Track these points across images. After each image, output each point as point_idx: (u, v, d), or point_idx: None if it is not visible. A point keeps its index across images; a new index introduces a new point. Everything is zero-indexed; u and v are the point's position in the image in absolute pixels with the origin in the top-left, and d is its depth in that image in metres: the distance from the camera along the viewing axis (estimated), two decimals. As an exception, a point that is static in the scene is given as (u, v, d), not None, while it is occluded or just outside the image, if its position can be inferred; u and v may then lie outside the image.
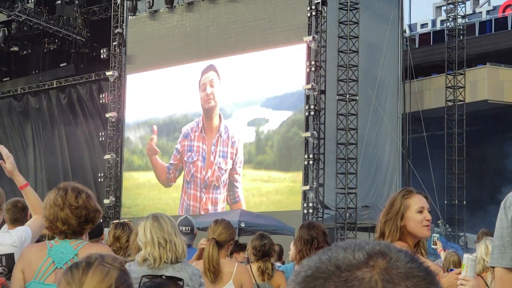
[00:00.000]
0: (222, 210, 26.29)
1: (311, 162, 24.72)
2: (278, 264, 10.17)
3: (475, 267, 3.93)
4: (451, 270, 4.23)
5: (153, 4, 30.00)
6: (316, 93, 24.91)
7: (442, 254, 9.91)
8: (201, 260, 5.95)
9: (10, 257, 4.65)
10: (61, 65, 35.93)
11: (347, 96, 25.41)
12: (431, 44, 36.90)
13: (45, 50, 35.64)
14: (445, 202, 29.28)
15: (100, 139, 31.42)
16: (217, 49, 28.29)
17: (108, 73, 30.53)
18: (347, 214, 24.98)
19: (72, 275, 2.15)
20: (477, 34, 36.19)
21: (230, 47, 28.04)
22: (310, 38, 25.11)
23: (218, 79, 28.53)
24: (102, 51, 31.60)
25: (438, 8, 38.56)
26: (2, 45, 35.14)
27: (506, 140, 30.15)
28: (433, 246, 10.61)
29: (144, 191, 30.10)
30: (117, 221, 7.20)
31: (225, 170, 27.66)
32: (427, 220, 4.16)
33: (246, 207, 26.05)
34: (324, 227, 6.40)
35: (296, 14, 26.27)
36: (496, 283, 3.42)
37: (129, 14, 30.85)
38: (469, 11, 35.04)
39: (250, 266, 7.16)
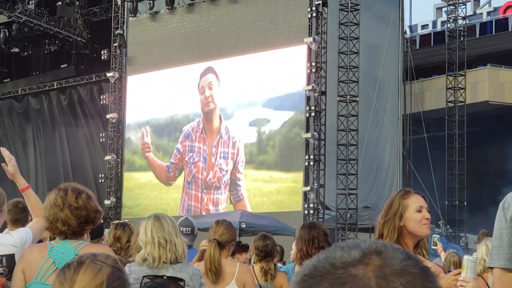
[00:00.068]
0: (224, 211, 26.27)
1: (311, 163, 24.72)
2: (279, 264, 10.16)
3: (475, 268, 3.93)
4: (449, 271, 4.23)
5: (153, 5, 29.99)
6: (316, 94, 24.90)
7: (443, 255, 9.92)
8: (202, 261, 5.96)
9: (10, 258, 4.65)
10: (61, 66, 35.92)
11: (348, 97, 25.38)
12: (432, 45, 36.92)
13: (46, 51, 35.59)
14: (446, 203, 29.25)
15: (101, 140, 31.40)
16: (218, 50, 28.27)
17: (108, 74, 30.52)
18: (348, 214, 24.96)
19: (64, 274, 2.16)
20: (477, 35, 36.21)
21: (231, 48, 28.03)
22: (311, 39, 25.10)
23: (217, 81, 28.49)
24: (102, 52, 31.58)
25: (439, 9, 38.57)
26: (3, 46, 35.12)
27: (507, 141, 30.11)
28: (433, 247, 10.62)
29: (145, 192, 30.10)
30: (117, 221, 7.20)
31: (226, 171, 27.64)
32: (426, 218, 4.15)
33: (249, 206, 26.15)
34: (325, 228, 6.41)
35: (296, 15, 26.26)
36: (495, 283, 3.43)
37: (130, 15, 30.83)
38: (469, 12, 35.04)
39: (253, 266, 7.16)
